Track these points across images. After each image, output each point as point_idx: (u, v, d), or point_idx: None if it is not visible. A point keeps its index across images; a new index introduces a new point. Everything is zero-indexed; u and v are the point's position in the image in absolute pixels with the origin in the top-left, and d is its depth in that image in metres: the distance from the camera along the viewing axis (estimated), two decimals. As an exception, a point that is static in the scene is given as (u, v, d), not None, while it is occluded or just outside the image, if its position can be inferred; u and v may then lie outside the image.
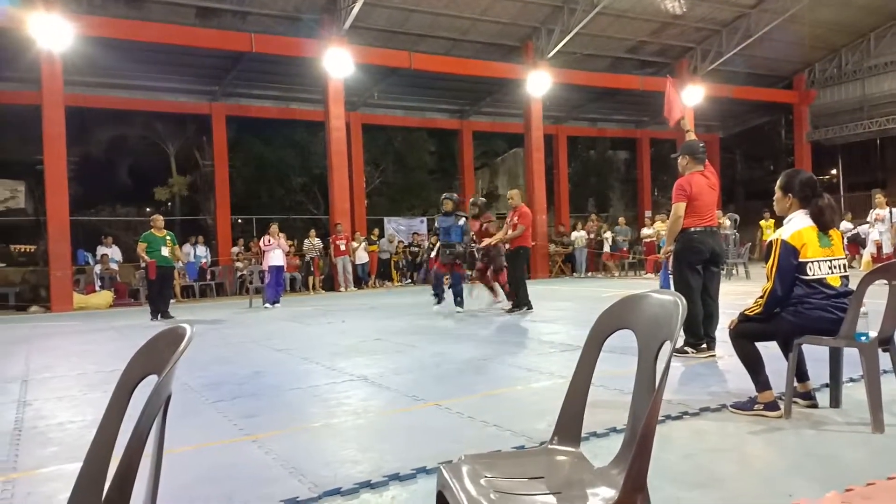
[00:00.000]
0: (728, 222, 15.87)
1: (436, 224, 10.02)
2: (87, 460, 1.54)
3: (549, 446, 1.85)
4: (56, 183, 13.46)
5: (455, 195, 10.05)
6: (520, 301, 9.19)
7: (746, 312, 3.50)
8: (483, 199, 10.38)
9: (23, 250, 20.66)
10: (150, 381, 1.44)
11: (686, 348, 5.27)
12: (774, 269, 3.37)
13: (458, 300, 9.51)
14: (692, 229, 5.24)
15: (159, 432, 1.42)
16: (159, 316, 10.42)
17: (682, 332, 5.18)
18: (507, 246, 9.28)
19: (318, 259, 16.77)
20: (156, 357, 1.51)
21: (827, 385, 3.72)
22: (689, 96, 20.17)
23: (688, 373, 4.79)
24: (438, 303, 9.68)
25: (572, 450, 1.80)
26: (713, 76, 20.54)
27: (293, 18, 15.63)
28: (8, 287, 15.14)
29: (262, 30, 15.41)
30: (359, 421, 3.76)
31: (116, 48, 14.83)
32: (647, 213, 23.36)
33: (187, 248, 17.03)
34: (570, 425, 1.84)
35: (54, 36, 12.83)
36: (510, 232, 9.16)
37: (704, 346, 5.27)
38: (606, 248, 19.02)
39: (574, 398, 1.85)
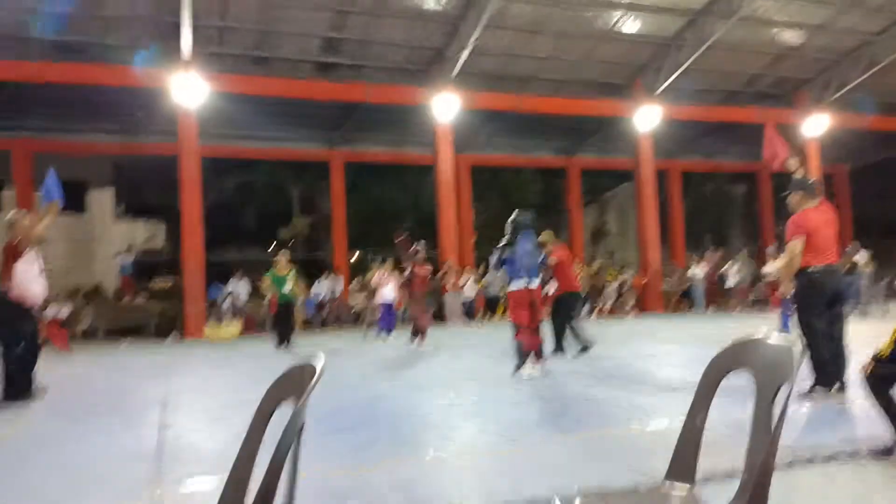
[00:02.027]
0: (862, 260, 14.80)
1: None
2: (230, 480, 1.70)
3: (663, 486, 1.84)
4: (192, 225, 14.65)
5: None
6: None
7: (879, 355, 3.29)
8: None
9: (161, 286, 22.34)
10: (286, 409, 1.59)
11: (816, 387, 4.99)
12: None
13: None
14: (811, 269, 4.99)
15: (294, 457, 1.55)
16: (285, 344, 10.97)
17: (811, 374, 4.94)
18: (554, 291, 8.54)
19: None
20: (291, 387, 1.66)
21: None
22: (812, 127, 19.18)
23: (818, 417, 4.52)
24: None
25: (686, 491, 1.79)
26: (838, 105, 19.39)
27: (405, 69, 16.35)
28: (148, 319, 16.51)
29: (376, 81, 16.22)
30: (468, 456, 3.81)
31: (245, 102, 16.12)
32: (769, 249, 22.11)
33: (325, 284, 18.09)
34: (683, 466, 1.82)
35: (191, 93, 14.15)
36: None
37: (836, 388, 4.96)
38: (731, 283, 18.18)
39: (688, 439, 1.84)
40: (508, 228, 7.04)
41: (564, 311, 8.47)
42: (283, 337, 11.11)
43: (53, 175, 6.81)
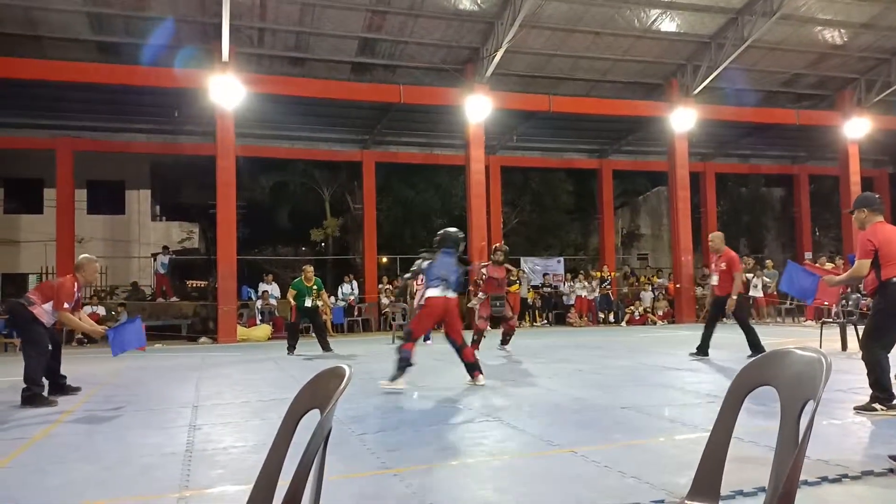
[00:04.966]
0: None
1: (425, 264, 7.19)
2: (258, 483, 1.74)
3: (687, 502, 1.82)
4: (226, 225, 14.89)
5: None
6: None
7: None
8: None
9: (195, 285, 22.73)
10: (313, 414, 1.62)
11: (875, 405, 4.88)
12: None
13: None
14: (894, 279, 4.89)
15: (320, 463, 1.59)
16: (324, 349, 10.94)
17: (873, 389, 4.83)
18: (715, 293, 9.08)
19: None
20: (319, 393, 1.70)
21: None
22: (854, 129, 18.72)
23: (867, 431, 4.43)
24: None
25: (710, 507, 1.77)
26: (880, 107, 18.90)
27: (438, 69, 16.41)
28: (182, 319, 16.81)
29: (410, 81, 16.33)
30: (495, 462, 3.82)
31: (281, 103, 16.37)
32: (807, 255, 21.68)
33: (353, 285, 18.28)
34: (708, 482, 1.81)
35: (229, 94, 14.37)
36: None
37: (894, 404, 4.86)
38: (758, 293, 17.77)
39: (712, 454, 1.82)
40: (436, 240, 7.31)
41: (740, 311, 8.98)
42: (294, 345, 11.06)
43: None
